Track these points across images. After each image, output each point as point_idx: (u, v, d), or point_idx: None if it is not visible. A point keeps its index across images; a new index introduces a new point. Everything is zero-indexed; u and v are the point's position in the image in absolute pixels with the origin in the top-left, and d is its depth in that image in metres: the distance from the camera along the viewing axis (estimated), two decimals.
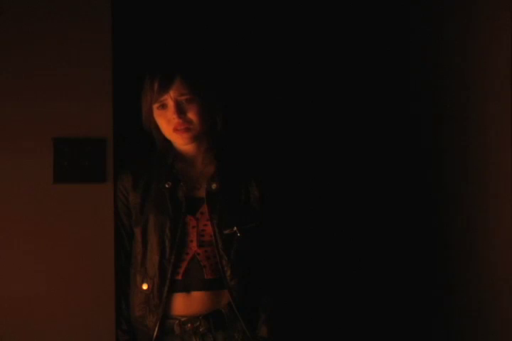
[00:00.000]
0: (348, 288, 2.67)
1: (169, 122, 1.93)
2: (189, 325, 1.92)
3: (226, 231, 1.94)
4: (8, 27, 1.87)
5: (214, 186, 1.96)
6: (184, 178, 1.98)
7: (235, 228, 1.94)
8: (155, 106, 1.94)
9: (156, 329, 1.92)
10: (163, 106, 1.92)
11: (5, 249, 1.88)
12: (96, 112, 1.93)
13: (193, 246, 1.93)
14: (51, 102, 1.90)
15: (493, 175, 2.14)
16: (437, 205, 2.41)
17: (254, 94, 2.52)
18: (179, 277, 1.92)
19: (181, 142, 1.96)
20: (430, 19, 2.45)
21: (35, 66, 1.89)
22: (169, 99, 1.91)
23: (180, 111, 1.91)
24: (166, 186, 1.96)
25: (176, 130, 1.92)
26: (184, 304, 1.93)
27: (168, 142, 1.99)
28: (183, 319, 1.92)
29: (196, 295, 1.93)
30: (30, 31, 1.88)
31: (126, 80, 2.02)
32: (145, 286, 1.94)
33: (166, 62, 1.99)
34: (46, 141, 1.90)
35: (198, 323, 1.92)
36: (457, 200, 2.32)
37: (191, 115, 1.92)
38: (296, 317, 2.14)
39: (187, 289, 1.93)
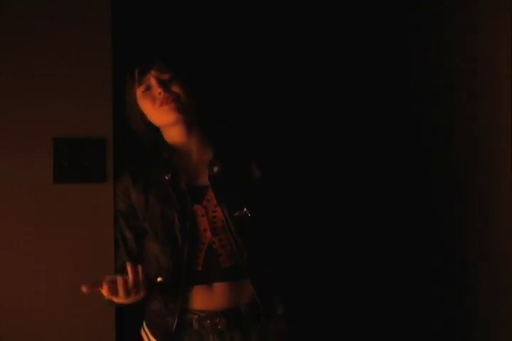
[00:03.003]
0: (357, 272, 2.64)
1: (155, 100, 1.90)
2: (208, 321, 1.90)
3: (236, 214, 1.92)
4: (8, 27, 1.87)
5: (216, 169, 1.94)
6: (182, 169, 1.97)
7: (245, 209, 1.92)
8: (140, 91, 1.92)
9: (175, 323, 1.90)
10: (148, 87, 1.91)
11: (5, 248, 1.88)
12: (96, 112, 1.93)
13: (208, 234, 1.91)
14: (51, 102, 1.90)
15: (493, 175, 2.15)
16: (437, 204, 2.41)
17: (252, 78, 2.52)
18: (199, 268, 1.91)
19: (169, 118, 1.91)
20: (430, 19, 2.45)
21: (35, 66, 1.89)
22: (152, 78, 1.90)
23: (164, 86, 1.90)
24: (166, 178, 1.94)
25: (162, 105, 1.90)
26: (205, 297, 1.90)
27: (155, 133, 1.99)
28: (202, 314, 1.91)
29: (217, 287, 1.90)
30: (30, 31, 1.88)
31: (126, 80, 2.01)
32: (159, 279, 1.92)
33: (144, 47, 1.99)
34: (46, 141, 1.90)
35: (217, 320, 1.91)
36: (457, 200, 2.32)
37: (176, 89, 1.90)
38: (310, 298, 2.12)
39: (207, 280, 1.90)
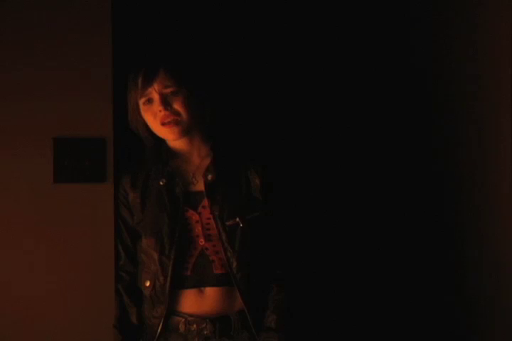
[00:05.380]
0: (356, 277, 2.64)
1: (156, 116, 1.90)
2: (194, 325, 1.91)
3: (228, 223, 1.92)
4: (9, 27, 1.87)
5: (210, 177, 1.94)
6: (180, 174, 1.97)
7: (237, 219, 1.92)
8: (141, 101, 1.92)
9: (160, 325, 1.91)
10: (149, 100, 1.91)
11: (5, 249, 1.88)
12: (96, 112, 1.93)
13: (201, 241, 1.92)
14: (51, 102, 1.90)
15: (493, 174, 2.14)
16: (437, 205, 2.41)
17: (250, 82, 2.51)
18: (188, 273, 1.91)
19: (171, 137, 1.93)
20: (430, 19, 2.45)
21: (36, 66, 1.89)
22: (154, 92, 1.89)
23: (165, 103, 1.88)
24: (161, 183, 1.95)
25: (163, 124, 1.90)
26: (195, 301, 1.91)
27: (158, 139, 1.98)
28: (189, 318, 1.91)
29: (209, 291, 1.91)
30: (31, 31, 1.88)
31: (126, 80, 2.02)
32: (147, 283, 1.93)
33: (149, 56, 1.98)
34: (46, 141, 1.90)
35: (203, 325, 1.91)
36: (457, 200, 2.32)
37: (178, 106, 1.89)
38: (305, 308, 2.12)
39: (198, 285, 1.91)
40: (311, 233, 2.52)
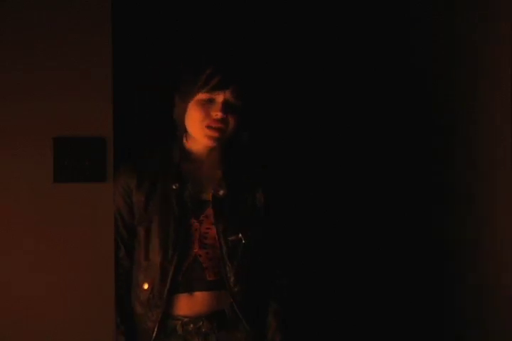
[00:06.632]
0: (355, 292, 2.66)
1: (206, 117, 1.90)
2: (191, 325, 1.92)
3: (231, 238, 1.93)
4: (8, 26, 1.87)
5: (221, 192, 1.95)
6: (190, 180, 1.97)
7: (240, 235, 1.93)
8: (200, 96, 1.90)
9: (156, 329, 1.92)
10: (211, 100, 1.90)
11: (5, 248, 1.88)
12: (96, 112, 1.93)
13: (195, 247, 1.93)
14: (51, 102, 1.90)
15: (493, 174, 2.14)
16: (437, 206, 2.41)
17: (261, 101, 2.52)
18: (180, 278, 1.92)
19: (207, 141, 1.93)
20: (430, 19, 2.45)
21: (35, 66, 1.89)
22: (222, 95, 1.88)
23: (226, 110, 1.88)
24: (173, 187, 1.95)
25: (209, 127, 1.90)
26: (187, 304, 1.92)
27: (179, 135, 1.98)
28: (185, 319, 1.92)
29: (199, 295, 1.92)
30: (31, 31, 1.88)
31: (126, 80, 2.02)
32: (146, 286, 1.94)
33: (226, 61, 1.97)
34: (46, 141, 1.90)
35: (200, 323, 1.92)
36: (457, 200, 2.32)
37: (232, 119, 1.90)
38: (306, 321, 2.13)
39: (189, 290, 1.92)
40: (312, 247, 2.54)
